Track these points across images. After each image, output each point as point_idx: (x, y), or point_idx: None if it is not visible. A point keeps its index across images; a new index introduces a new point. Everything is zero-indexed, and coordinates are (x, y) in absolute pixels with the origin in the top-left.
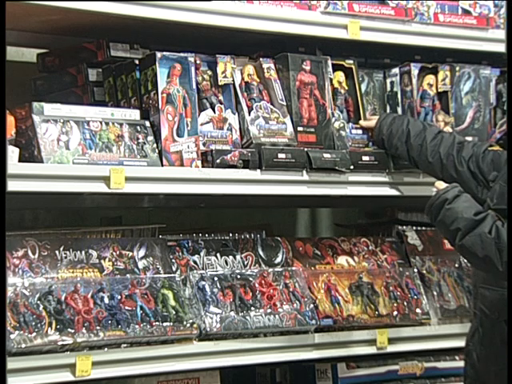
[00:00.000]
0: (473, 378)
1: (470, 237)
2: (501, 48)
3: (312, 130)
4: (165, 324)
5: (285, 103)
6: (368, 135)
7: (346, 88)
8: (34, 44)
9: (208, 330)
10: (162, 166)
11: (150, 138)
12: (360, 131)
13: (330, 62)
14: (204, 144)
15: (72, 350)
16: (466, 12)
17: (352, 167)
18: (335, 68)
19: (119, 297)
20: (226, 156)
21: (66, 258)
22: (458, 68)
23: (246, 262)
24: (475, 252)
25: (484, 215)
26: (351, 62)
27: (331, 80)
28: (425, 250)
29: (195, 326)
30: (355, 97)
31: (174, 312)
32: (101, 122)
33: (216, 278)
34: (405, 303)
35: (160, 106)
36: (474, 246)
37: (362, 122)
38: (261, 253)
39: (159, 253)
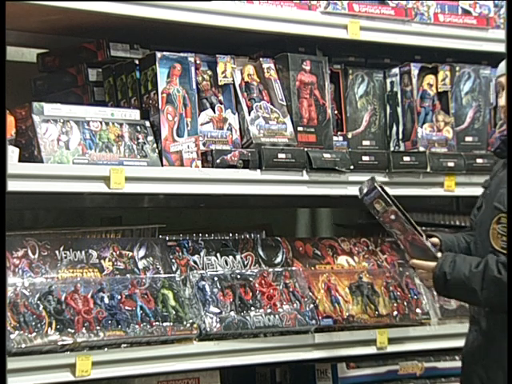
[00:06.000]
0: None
1: (487, 288)
2: (501, 48)
3: (312, 130)
4: (165, 324)
5: (285, 103)
6: None
7: None
8: (34, 44)
9: (208, 329)
10: (162, 165)
11: (150, 138)
12: None
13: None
14: (204, 144)
15: (72, 350)
16: (466, 12)
17: (352, 167)
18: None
19: (119, 297)
20: (226, 156)
21: (65, 258)
22: (458, 68)
23: (246, 262)
24: (501, 298)
25: (484, 262)
26: None
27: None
28: None
29: (195, 325)
30: None
31: (173, 312)
32: (101, 122)
33: (216, 278)
34: (405, 303)
35: (160, 106)
36: (495, 293)
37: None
38: (261, 253)
39: (159, 253)
